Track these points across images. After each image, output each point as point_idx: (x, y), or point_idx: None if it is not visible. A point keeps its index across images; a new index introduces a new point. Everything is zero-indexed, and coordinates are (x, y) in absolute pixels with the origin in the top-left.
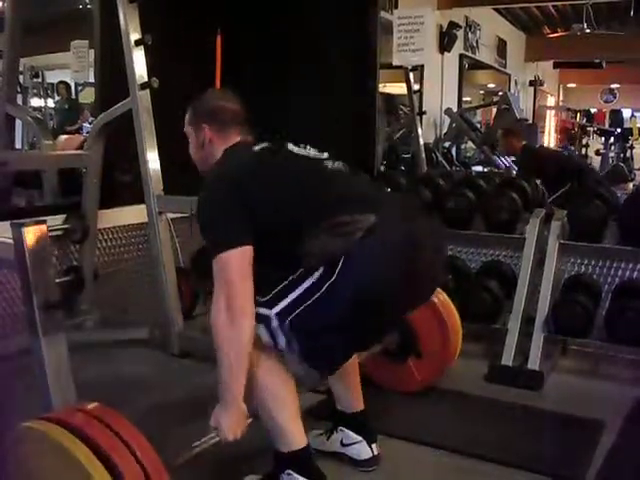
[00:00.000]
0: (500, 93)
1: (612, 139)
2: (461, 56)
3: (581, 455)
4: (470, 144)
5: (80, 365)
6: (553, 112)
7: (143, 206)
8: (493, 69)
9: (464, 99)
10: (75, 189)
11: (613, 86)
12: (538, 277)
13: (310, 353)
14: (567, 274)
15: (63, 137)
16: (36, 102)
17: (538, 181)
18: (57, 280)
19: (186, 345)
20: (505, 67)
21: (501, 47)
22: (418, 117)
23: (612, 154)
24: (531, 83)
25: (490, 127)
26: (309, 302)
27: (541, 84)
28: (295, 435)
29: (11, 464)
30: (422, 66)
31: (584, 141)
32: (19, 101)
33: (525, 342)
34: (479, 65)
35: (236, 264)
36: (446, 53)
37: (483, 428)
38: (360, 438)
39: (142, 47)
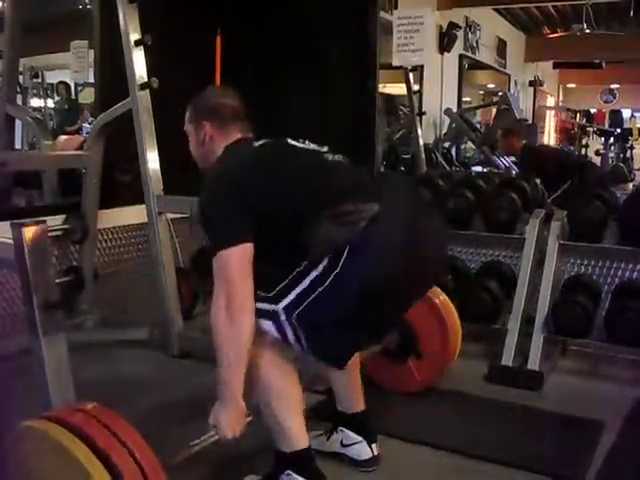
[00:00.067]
0: (500, 93)
1: (612, 139)
2: (461, 56)
3: (581, 455)
4: (470, 144)
5: (80, 365)
6: (553, 112)
7: (143, 206)
8: (493, 69)
9: (464, 99)
10: (75, 189)
11: (613, 86)
12: (538, 277)
13: (318, 346)
14: (567, 274)
15: (63, 137)
16: (36, 102)
17: (538, 181)
18: (57, 280)
19: (186, 345)
20: (505, 67)
21: (501, 47)
22: (418, 117)
23: (612, 154)
24: (531, 83)
25: (490, 127)
26: (315, 294)
27: (541, 84)
28: (297, 435)
29: (11, 463)
30: (422, 66)
31: (584, 141)
32: (19, 101)
33: (525, 342)
34: (479, 65)
35: (236, 262)
36: (446, 53)
37: (483, 428)
38: (360, 438)
39: (142, 47)
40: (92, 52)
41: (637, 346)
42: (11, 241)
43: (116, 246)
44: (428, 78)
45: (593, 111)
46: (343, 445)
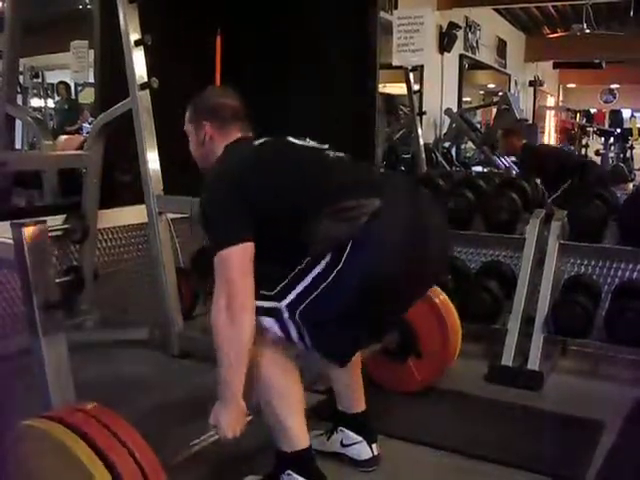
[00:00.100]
0: (500, 93)
1: (612, 139)
2: (461, 56)
3: (581, 455)
4: (470, 144)
5: (80, 365)
6: (553, 112)
7: (143, 206)
8: (493, 69)
9: (464, 99)
10: (75, 189)
11: (613, 86)
12: (538, 277)
13: (321, 343)
14: (567, 274)
15: (63, 137)
16: (36, 102)
17: (538, 180)
18: (57, 280)
19: (186, 345)
20: (505, 67)
21: (501, 47)
22: (418, 117)
23: (612, 154)
24: (531, 83)
25: (490, 127)
26: (318, 291)
27: (541, 84)
28: (298, 435)
29: (11, 462)
30: (422, 66)
31: (584, 141)
32: (19, 101)
33: (525, 342)
34: (479, 65)
35: (237, 261)
36: (446, 53)
37: (483, 428)
38: (360, 438)
39: (142, 47)
40: (92, 52)
41: (637, 346)
42: (11, 241)
43: (116, 246)
44: (428, 78)
45: (593, 111)
46: (343, 445)
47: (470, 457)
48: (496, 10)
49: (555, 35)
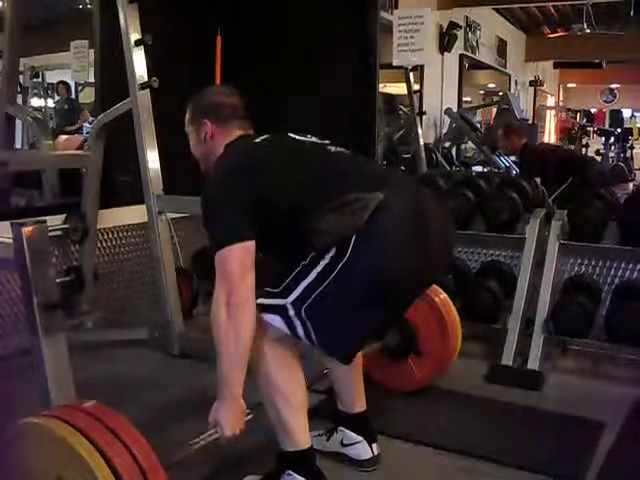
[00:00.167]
0: (500, 93)
1: (612, 139)
2: (461, 56)
3: (581, 455)
4: (470, 144)
5: (80, 365)
6: (553, 112)
7: (143, 206)
8: (493, 69)
9: (464, 99)
10: (75, 189)
11: (613, 86)
12: (538, 277)
13: (327, 340)
14: (567, 274)
15: (63, 137)
16: (36, 102)
17: (538, 180)
18: (57, 280)
19: (186, 345)
20: (505, 67)
21: (501, 47)
22: (418, 117)
23: (612, 154)
24: (531, 83)
25: (490, 127)
26: (324, 285)
27: (541, 84)
28: (300, 435)
29: (11, 458)
30: (422, 66)
31: (584, 141)
32: (19, 101)
33: (525, 342)
34: (479, 65)
35: (237, 259)
36: (446, 53)
37: (483, 428)
38: (360, 438)
39: (142, 47)
40: (92, 52)
41: (637, 346)
42: (11, 241)
43: (116, 246)
44: (428, 78)
45: (593, 111)
46: (343, 445)
47: (470, 457)
48: (496, 10)
49: (555, 35)
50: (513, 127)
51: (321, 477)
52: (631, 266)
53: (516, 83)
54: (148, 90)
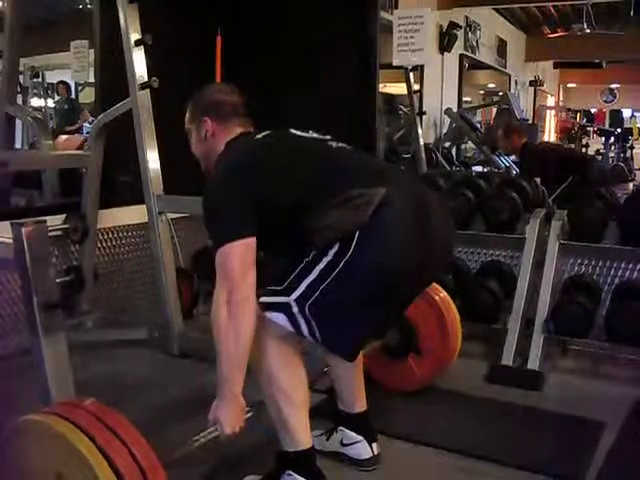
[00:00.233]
0: (500, 93)
1: (612, 139)
2: (461, 56)
3: (581, 455)
4: (470, 144)
5: (80, 365)
6: (553, 112)
7: (143, 206)
8: (493, 69)
9: (464, 99)
10: (75, 189)
11: (613, 86)
12: (538, 277)
13: (331, 337)
14: (567, 274)
15: (63, 137)
16: (36, 102)
17: (538, 180)
18: (57, 280)
19: (186, 345)
20: (505, 67)
21: (501, 47)
22: (418, 117)
23: (612, 154)
24: (531, 83)
25: (490, 127)
26: (326, 282)
27: (541, 84)
28: (301, 435)
29: (11, 456)
30: (422, 66)
31: (584, 141)
32: (19, 101)
33: (525, 342)
34: (479, 65)
35: (238, 257)
36: (446, 53)
37: (483, 428)
38: (360, 438)
39: (142, 47)
40: (92, 52)
41: (637, 346)
42: (11, 241)
43: (116, 246)
44: (428, 78)
45: (593, 111)
46: (343, 445)
47: (470, 457)
48: (496, 10)
49: (555, 35)
50: (513, 127)
51: (321, 477)
52: (631, 266)
53: (516, 83)
54: (148, 90)
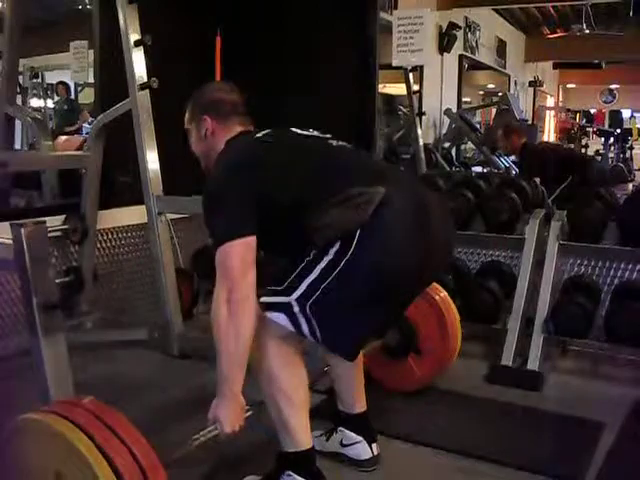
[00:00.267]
0: (500, 94)
1: (611, 140)
2: (461, 57)
3: (581, 455)
4: (470, 144)
5: (80, 365)
6: (552, 113)
7: (143, 206)
8: (493, 69)
9: (464, 100)
10: (75, 189)
11: (612, 86)
12: (538, 277)
13: (332, 337)
14: (567, 274)
15: (62, 138)
16: (35, 102)
17: (538, 180)
18: (57, 280)
19: (185, 346)
20: (505, 68)
21: (501, 48)
22: (418, 118)
23: (611, 155)
24: (531, 84)
25: (490, 128)
26: (327, 282)
27: (541, 84)
28: (301, 436)
29: (10, 455)
30: (421, 67)
31: (583, 142)
32: (19, 101)
33: (525, 342)
34: (479, 66)
35: (238, 256)
36: (445, 54)
37: (483, 429)
38: (360, 438)
39: (142, 47)
40: (92, 52)
41: (637, 346)
42: (11, 242)
43: (116, 246)
44: (428, 78)
45: (593, 111)
46: (343, 445)
47: (469, 457)
48: (496, 11)
49: (555, 35)
50: (513, 127)
51: (321, 478)
52: (631, 266)
53: (515, 83)
54: (148, 90)
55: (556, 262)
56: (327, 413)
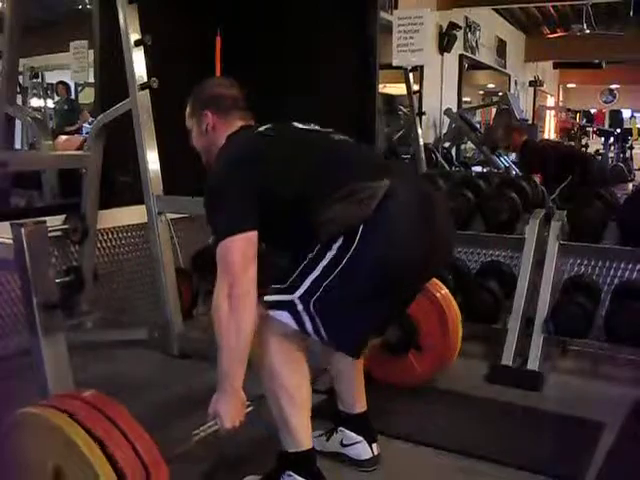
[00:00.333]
0: (500, 93)
1: (612, 139)
2: (461, 56)
3: (581, 455)
4: (470, 144)
5: (80, 365)
6: (553, 112)
7: (143, 206)
8: (493, 69)
9: (464, 99)
10: (75, 189)
11: (613, 86)
12: (538, 277)
13: (336, 334)
14: (567, 274)
15: (62, 137)
16: (35, 102)
17: (538, 180)
18: (57, 280)
19: (185, 346)
20: (505, 67)
21: (501, 47)
22: (418, 117)
23: (612, 154)
24: (531, 83)
25: (490, 127)
26: (330, 279)
27: (541, 84)
28: (302, 436)
29: (8, 449)
30: (422, 66)
31: (584, 141)
32: (19, 101)
33: (525, 342)
34: (479, 65)
35: (239, 251)
36: (446, 53)
37: (483, 428)
38: (360, 438)
39: (142, 47)
40: (92, 52)
41: (637, 346)
42: (11, 241)
43: (116, 246)
44: (428, 78)
45: (593, 111)
46: (343, 445)
47: (470, 457)
48: (496, 10)
49: (555, 35)
50: (513, 125)
51: (321, 478)
52: (631, 266)
53: (516, 83)
54: (148, 90)
55: (556, 262)
56: (327, 413)
